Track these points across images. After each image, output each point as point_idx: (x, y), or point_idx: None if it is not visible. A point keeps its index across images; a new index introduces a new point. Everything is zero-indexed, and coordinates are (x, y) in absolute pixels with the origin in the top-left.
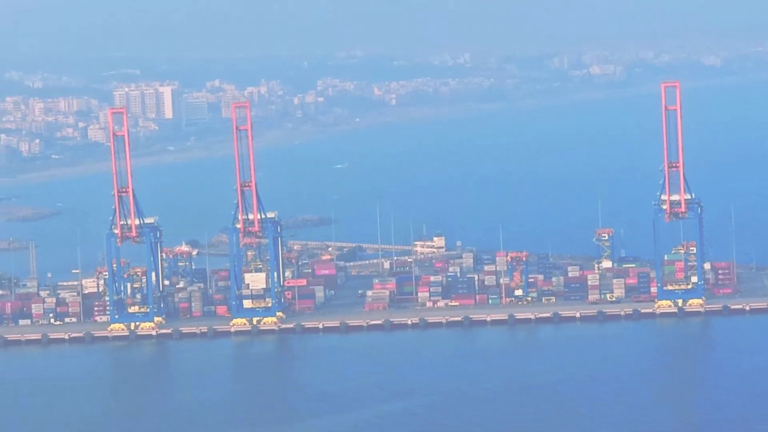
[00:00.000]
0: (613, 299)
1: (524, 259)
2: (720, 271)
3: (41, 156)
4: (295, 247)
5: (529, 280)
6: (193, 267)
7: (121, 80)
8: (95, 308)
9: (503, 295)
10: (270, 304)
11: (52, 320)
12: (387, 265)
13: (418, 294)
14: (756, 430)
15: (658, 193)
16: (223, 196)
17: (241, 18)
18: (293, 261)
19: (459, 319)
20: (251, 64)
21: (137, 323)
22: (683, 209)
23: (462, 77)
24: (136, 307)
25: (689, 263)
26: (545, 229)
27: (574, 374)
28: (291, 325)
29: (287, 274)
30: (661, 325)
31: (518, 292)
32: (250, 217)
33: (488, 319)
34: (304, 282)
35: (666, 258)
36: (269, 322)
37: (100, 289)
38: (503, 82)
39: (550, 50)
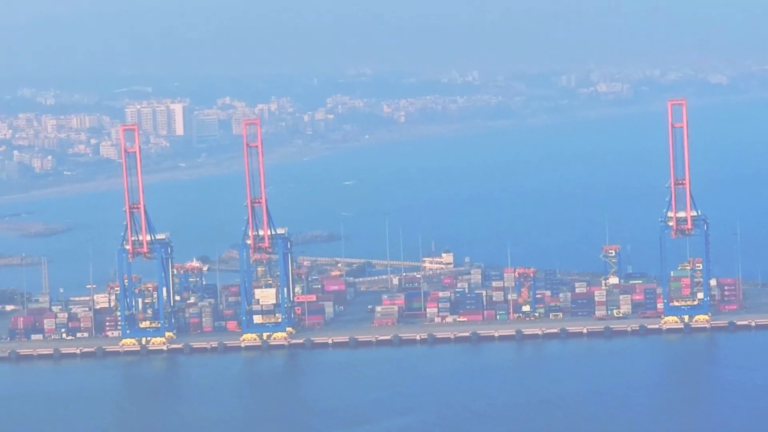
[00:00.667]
0: (620, 315)
1: (532, 275)
2: (726, 288)
3: (53, 172)
4: (305, 263)
5: (537, 296)
6: (204, 282)
7: (133, 97)
8: (107, 323)
9: (511, 310)
10: (280, 320)
11: (64, 335)
12: (396, 280)
13: (427, 309)
14: None
15: (664, 210)
16: (234, 212)
17: (251, 36)
18: (303, 277)
19: (467, 334)
20: (262, 81)
21: (148, 338)
22: (689, 226)
23: (470, 95)
24: (148, 322)
25: (695, 279)
26: (553, 246)
27: (580, 389)
28: (301, 341)
29: (297, 289)
30: (667, 340)
31: (526, 308)
32: (261, 233)
33: (496, 334)
34: (313, 297)
35: (672, 274)
36: (279, 337)
37: (112, 304)
38: (511, 99)
39: (557, 68)
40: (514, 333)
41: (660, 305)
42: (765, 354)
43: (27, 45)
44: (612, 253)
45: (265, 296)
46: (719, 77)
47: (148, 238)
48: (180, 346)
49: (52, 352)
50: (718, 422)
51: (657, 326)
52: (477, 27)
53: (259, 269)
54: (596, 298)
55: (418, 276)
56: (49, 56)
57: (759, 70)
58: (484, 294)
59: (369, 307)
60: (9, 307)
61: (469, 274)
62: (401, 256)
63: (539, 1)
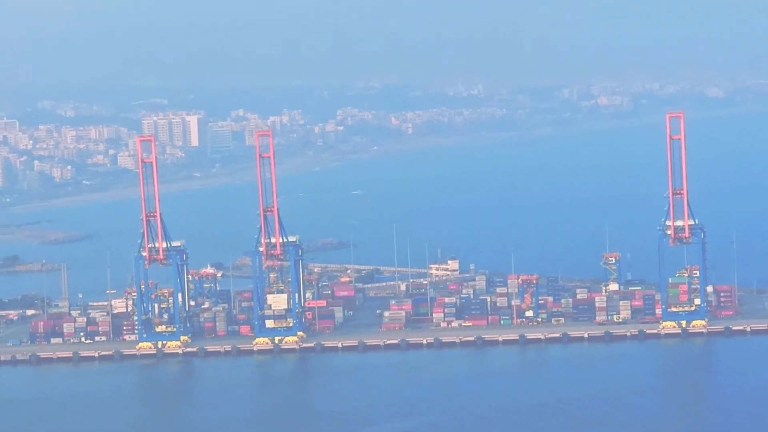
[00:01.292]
0: (620, 320)
1: (534, 281)
2: (722, 294)
3: (73, 182)
4: (316, 270)
5: (539, 301)
6: (218, 288)
7: (150, 109)
8: (124, 327)
9: (514, 316)
10: (291, 324)
11: (83, 339)
12: (403, 287)
13: (433, 315)
14: None
15: (662, 219)
16: (247, 220)
17: (264, 50)
18: (313, 283)
19: (472, 339)
20: (274, 94)
21: (164, 342)
22: (687, 234)
23: (475, 107)
24: (163, 327)
25: (692, 286)
26: (555, 253)
27: (581, 393)
28: (311, 345)
29: (308, 295)
30: (665, 345)
31: (529, 314)
32: (273, 240)
33: (500, 339)
34: (323, 303)
35: (670, 281)
36: (290, 341)
37: (129, 309)
38: (515, 112)
39: (560, 82)
40: (518, 338)
41: (658, 311)
42: (760, 358)
43: (47, 59)
44: (612, 260)
45: (277, 301)
46: (716, 91)
47: (164, 245)
48: (195, 349)
49: (71, 355)
50: (714, 425)
51: (655, 331)
52: (482, 42)
53: (271, 275)
54: (597, 304)
55: (424, 282)
56: (68, 70)
57: (754, 85)
58: (489, 300)
59: (377, 312)
60: (30, 312)
61: (474, 280)
62: (408, 263)
63: (542, 18)
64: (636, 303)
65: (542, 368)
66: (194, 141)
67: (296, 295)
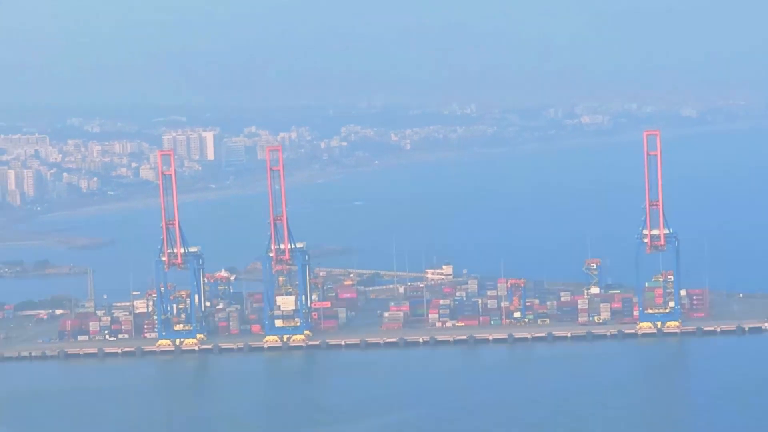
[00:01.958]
0: (600, 321)
1: (522, 285)
2: (694, 297)
3: (98, 192)
4: (321, 274)
5: (527, 303)
6: (231, 290)
7: (169, 126)
8: (145, 326)
9: (503, 316)
10: (298, 324)
11: (107, 336)
12: (401, 289)
13: (429, 315)
14: None
15: (640, 228)
16: (258, 228)
17: (274, 72)
18: (319, 285)
19: (464, 337)
20: (283, 112)
21: (182, 339)
22: (662, 242)
23: (468, 125)
24: (181, 326)
25: (667, 290)
26: (541, 259)
27: (565, 388)
28: (317, 342)
29: (314, 297)
30: (642, 344)
31: (517, 315)
32: (282, 246)
33: (490, 338)
34: (328, 304)
35: (647, 285)
36: (298, 339)
37: (150, 309)
38: (505, 129)
39: (546, 102)
40: (506, 337)
41: (636, 312)
42: (729, 357)
43: (75, 80)
44: (593, 266)
45: (286, 303)
46: (689, 111)
47: (182, 250)
48: (210, 346)
49: (96, 352)
50: (686, 417)
51: (633, 331)
52: (475, 65)
53: (281, 279)
54: (579, 306)
55: (421, 285)
56: (94, 89)
57: (724, 105)
58: (480, 302)
59: (378, 312)
60: (58, 311)
61: (467, 284)
62: (406, 267)
63: (530, 44)
64: (615, 305)
65: (529, 365)
66: (210, 155)
67: (303, 296)
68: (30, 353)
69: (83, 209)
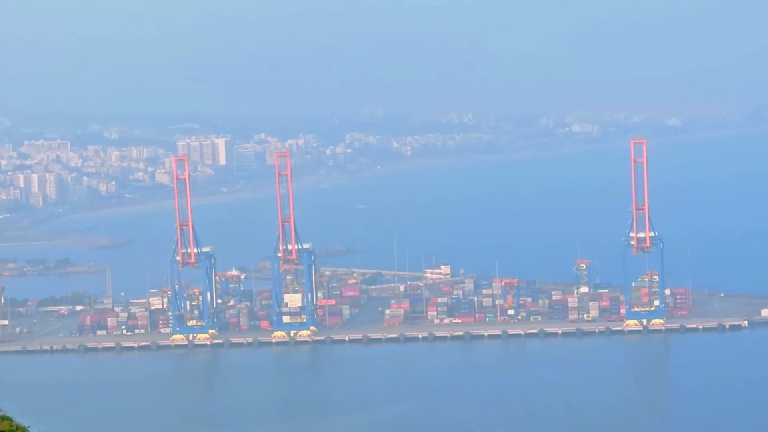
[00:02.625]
0: (589, 319)
1: (516, 284)
2: (678, 296)
3: (116, 195)
4: (326, 273)
5: (520, 302)
6: (242, 288)
7: (183, 133)
8: (160, 322)
9: (498, 314)
10: (305, 320)
11: (124, 331)
12: (402, 288)
13: (428, 312)
14: (701, 428)
15: (627, 231)
16: (267, 229)
17: (283, 82)
18: (324, 284)
19: (461, 333)
20: (291, 120)
21: (195, 334)
22: (648, 245)
23: (465, 133)
24: (194, 321)
25: (652, 289)
26: (533, 260)
27: (555, 381)
28: (322, 338)
29: (319, 294)
30: (628, 340)
31: (510, 312)
32: (289, 247)
33: (485, 334)
34: (333, 302)
35: (633, 285)
36: (304, 334)
37: (164, 305)
38: (500, 137)
39: (539, 111)
40: (501, 333)
41: (623, 310)
42: (710, 352)
43: (95, 89)
44: (583, 266)
45: (293, 300)
46: (674, 120)
47: (195, 250)
48: (221, 341)
49: (114, 346)
50: (669, 408)
51: (620, 328)
52: (472, 76)
53: (288, 277)
54: (569, 304)
55: (420, 284)
56: (113, 98)
57: (707, 115)
58: (476, 300)
59: (379, 309)
60: (78, 307)
61: (464, 283)
62: (407, 267)
63: (524, 58)
64: (603, 303)
65: (522, 360)
66: (222, 160)
67: (309, 294)
68: (51, 347)
69: (102, 211)
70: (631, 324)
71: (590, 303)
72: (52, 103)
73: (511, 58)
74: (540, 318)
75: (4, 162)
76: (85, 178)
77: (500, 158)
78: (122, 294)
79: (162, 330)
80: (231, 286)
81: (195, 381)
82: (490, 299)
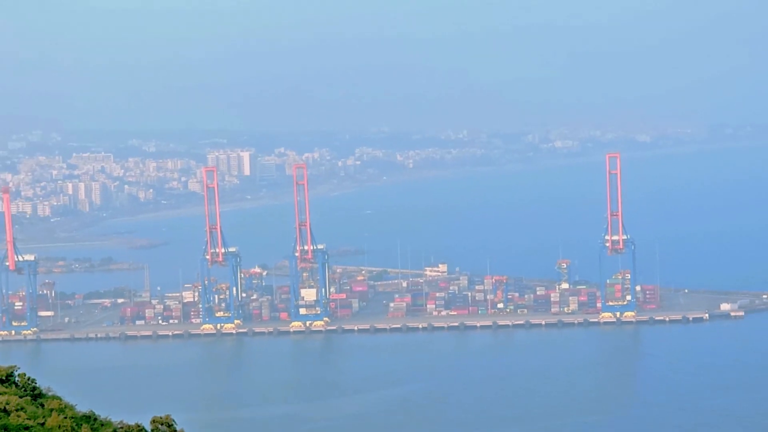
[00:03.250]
0: (569, 311)
1: (505, 281)
2: (647, 292)
3: (153, 201)
4: (338, 270)
5: (508, 296)
6: (263, 284)
7: (213, 147)
8: (191, 313)
9: (489, 307)
10: (319, 312)
11: (160, 321)
12: (405, 284)
13: (427, 306)
14: (667, 408)
15: (603, 234)
16: (286, 232)
17: (300, 102)
18: (336, 280)
19: (456, 324)
20: (308, 136)
21: (222, 324)
22: (621, 246)
23: (461, 148)
24: (222, 313)
25: (625, 286)
26: (520, 259)
27: (539, 365)
28: (334, 327)
29: (332, 289)
30: (603, 330)
31: (500, 305)
32: (305, 247)
33: (478, 325)
34: (344, 296)
35: (608, 282)
36: (318, 325)
37: (196, 299)
38: (491, 152)
39: (525, 129)
40: (491, 324)
41: (599, 304)
42: (676, 341)
43: (136, 107)
44: (564, 265)
45: (308, 294)
46: (644, 137)
47: (223, 250)
48: (245, 330)
49: (151, 334)
50: (637, 391)
51: (596, 320)
52: (466, 98)
53: (304, 274)
54: (552, 299)
55: (421, 281)
56: (152, 115)
57: (673, 132)
58: (470, 295)
59: (384, 303)
60: (120, 300)
61: (459, 279)
62: (409, 265)
63: (512, 81)
64: (582, 298)
65: (510, 348)
66: (246, 171)
67: (323, 289)
68: (96, 335)
69: (141, 216)
70: (606, 316)
71: (570, 298)
72: (97, 121)
73: (501, 82)
74: (526, 311)
75: (55, 172)
76: (126, 187)
77: (491, 170)
78: (158, 288)
79: (193, 320)
80: (254, 281)
81: (222, 365)
82: (482, 294)
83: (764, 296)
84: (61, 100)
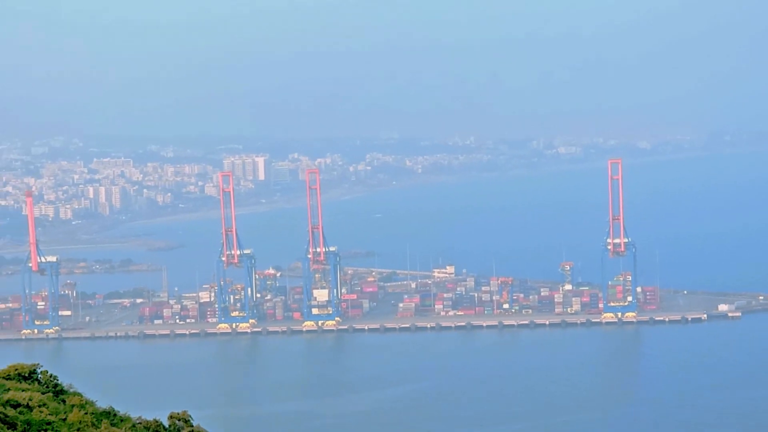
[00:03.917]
0: (572, 312)
1: (510, 282)
2: (648, 293)
3: (171, 205)
4: (349, 272)
5: (513, 297)
6: (277, 284)
7: (228, 152)
8: (208, 312)
9: (495, 307)
10: (331, 312)
11: (178, 320)
12: (413, 285)
13: (435, 306)
14: (666, 405)
15: (605, 237)
16: (299, 235)
17: (313, 109)
18: (347, 281)
19: (463, 324)
20: (320, 142)
21: (237, 324)
22: (622, 249)
23: (468, 154)
24: (237, 312)
25: (626, 287)
26: (525, 262)
27: (543, 364)
28: (345, 327)
29: (343, 290)
30: (605, 330)
31: (505, 306)
32: (318, 250)
33: (484, 324)
34: (354, 296)
35: (609, 283)
36: (330, 324)
37: (212, 299)
38: (497, 157)
39: (530, 135)
40: (497, 324)
41: (601, 305)
42: (675, 341)
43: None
44: (567, 267)
45: (321, 295)
46: (645, 143)
47: (238, 252)
48: (260, 329)
49: (168, 333)
50: (639, 388)
51: (598, 320)
52: (473, 106)
53: (317, 276)
54: (555, 300)
55: (429, 282)
56: (169, 122)
57: (673, 139)
58: (476, 295)
59: (393, 303)
60: (138, 300)
61: (466, 280)
62: (417, 267)
63: (518, 89)
64: (584, 299)
65: (515, 347)
66: (261, 176)
67: (334, 290)
68: (115, 334)
69: (159, 219)
70: (608, 317)
71: (573, 298)
72: (117, 127)
73: (507, 91)
74: (530, 311)
75: (76, 176)
76: (145, 191)
77: (497, 175)
78: (176, 289)
79: (210, 320)
80: (268, 282)
81: (237, 363)
82: (489, 295)
83: (760, 297)
84: (83, 109)
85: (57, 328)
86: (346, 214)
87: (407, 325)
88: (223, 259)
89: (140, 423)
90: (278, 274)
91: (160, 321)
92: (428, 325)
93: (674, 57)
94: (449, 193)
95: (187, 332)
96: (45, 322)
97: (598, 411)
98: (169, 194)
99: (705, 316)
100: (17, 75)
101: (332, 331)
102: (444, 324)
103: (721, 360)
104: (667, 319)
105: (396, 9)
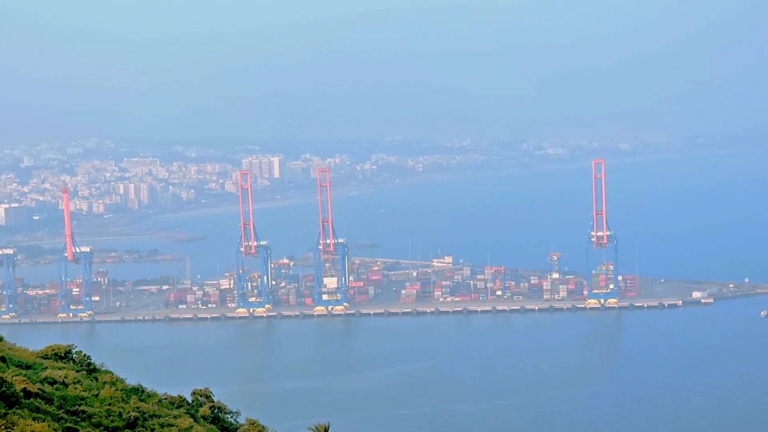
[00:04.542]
0: (560, 298)
1: (503, 271)
2: (628, 281)
3: (194, 200)
4: (356, 261)
5: (506, 284)
6: (291, 273)
7: (247, 153)
8: (228, 298)
9: (489, 294)
10: (339, 298)
11: (200, 305)
12: (415, 273)
13: (435, 293)
14: (644, 383)
15: (589, 231)
16: (311, 228)
17: (324, 113)
18: (355, 270)
19: (460, 309)
20: (330, 144)
21: (254, 308)
22: (605, 241)
23: (465, 154)
24: (254, 298)
25: (608, 276)
26: (516, 252)
27: (533, 346)
28: (353, 312)
29: (351, 278)
30: (589, 315)
31: (498, 293)
32: (327, 241)
33: (479, 310)
34: (361, 284)
35: (593, 272)
36: (339, 309)
37: (231, 286)
38: (491, 158)
39: (521, 137)
40: (491, 309)
41: (585, 292)
42: (653, 325)
43: (179, 118)
44: (554, 257)
45: (330, 282)
46: (626, 145)
47: (255, 243)
48: (275, 314)
49: (191, 317)
50: (619, 367)
51: (583, 306)
52: (469, 111)
53: (327, 265)
54: (544, 287)
55: (429, 271)
56: (193, 125)
57: (651, 141)
58: (472, 283)
59: (396, 290)
60: (164, 287)
61: (462, 269)
62: (418, 257)
63: (510, 95)
64: (570, 287)
65: (507, 330)
66: (276, 174)
67: (343, 278)
68: (143, 317)
69: (183, 213)
70: (592, 303)
71: (560, 286)
72: (146, 130)
73: (500, 97)
74: (521, 297)
75: (107, 174)
76: (170, 187)
77: (491, 174)
78: (198, 277)
79: (229, 305)
80: (283, 271)
81: (254, 345)
82: (483, 282)
83: (731, 285)
84: (114, 114)
85: (90, 312)
86: (354, 209)
87: (409, 310)
88: (242, 249)
89: (166, 398)
90: (292, 264)
91: (184, 306)
92: (428, 310)
93: (652, 66)
94: (448, 190)
95: (209, 316)
96: (79, 307)
97: (582, 388)
98: (193, 191)
99: (680, 302)
100: (56, 85)
101: (341, 315)
102: (442, 309)
103: (695, 342)
104: (645, 305)
105: (402, 23)
